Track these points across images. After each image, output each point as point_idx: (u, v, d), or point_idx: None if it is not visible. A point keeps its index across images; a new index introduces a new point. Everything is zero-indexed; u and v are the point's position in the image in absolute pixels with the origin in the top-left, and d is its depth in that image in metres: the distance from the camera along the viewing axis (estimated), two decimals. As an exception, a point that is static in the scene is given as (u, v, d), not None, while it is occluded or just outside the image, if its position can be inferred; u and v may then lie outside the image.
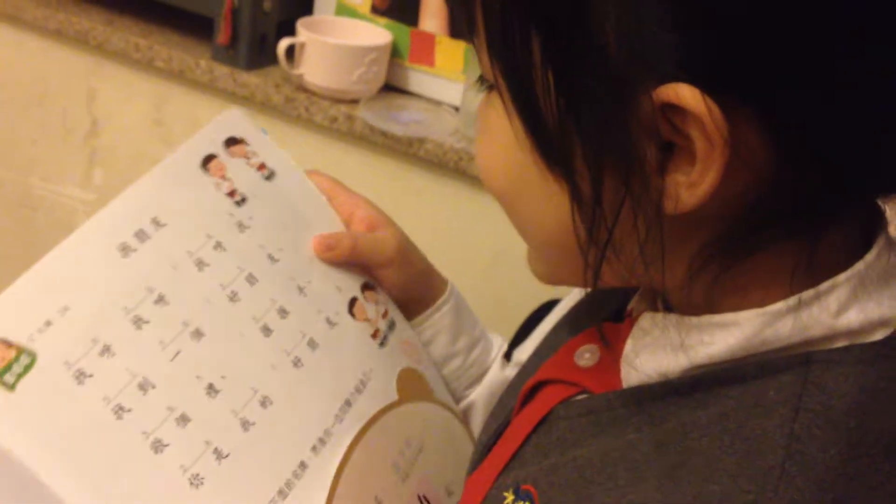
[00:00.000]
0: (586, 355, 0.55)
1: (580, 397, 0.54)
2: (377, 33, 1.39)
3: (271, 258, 0.63)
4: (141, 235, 0.57)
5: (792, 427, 0.41)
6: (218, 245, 0.60)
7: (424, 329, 0.77)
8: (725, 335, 0.45)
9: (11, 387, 0.49)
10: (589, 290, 0.49)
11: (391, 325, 0.70)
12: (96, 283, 0.55)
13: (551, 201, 0.45)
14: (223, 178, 0.64)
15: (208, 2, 1.39)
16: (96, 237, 0.56)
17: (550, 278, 0.54)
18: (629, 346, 0.51)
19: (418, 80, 1.42)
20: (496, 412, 0.66)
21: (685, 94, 0.37)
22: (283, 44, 1.33)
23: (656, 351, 0.48)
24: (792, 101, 0.38)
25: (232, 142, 0.66)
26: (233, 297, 0.59)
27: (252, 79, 1.39)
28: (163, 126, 1.56)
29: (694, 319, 0.46)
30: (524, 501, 0.50)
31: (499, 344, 0.83)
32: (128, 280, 0.56)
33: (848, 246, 0.45)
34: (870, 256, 0.44)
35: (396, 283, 0.74)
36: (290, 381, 0.59)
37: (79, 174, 1.68)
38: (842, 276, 0.43)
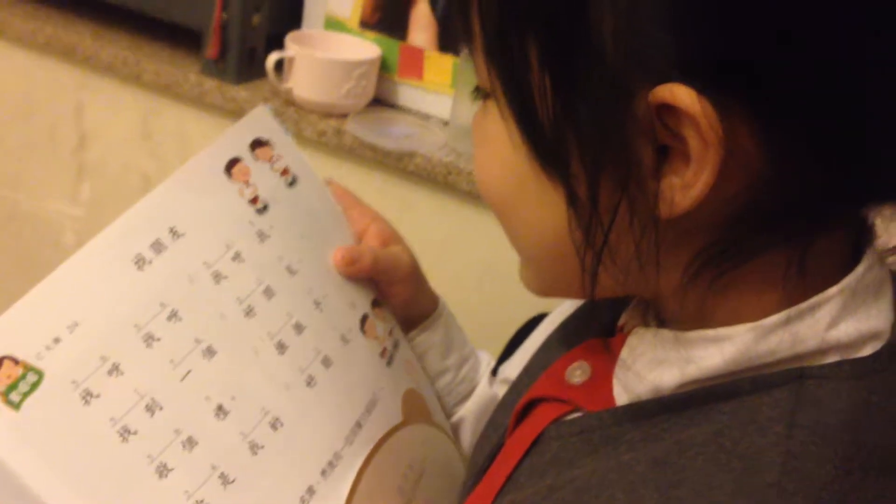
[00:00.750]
0: (577, 372, 0.55)
1: (572, 416, 0.53)
2: (366, 47, 1.39)
3: (290, 270, 0.61)
4: (157, 246, 0.55)
5: (787, 444, 0.41)
6: (237, 256, 0.59)
7: (417, 345, 0.76)
8: (717, 350, 0.44)
9: (17, 406, 0.48)
10: (582, 301, 0.49)
11: (396, 344, 0.69)
12: (108, 298, 0.53)
13: (548, 207, 0.45)
14: (247, 183, 0.62)
15: (197, 15, 1.38)
16: (111, 248, 0.54)
17: (545, 290, 0.54)
18: (621, 362, 0.50)
19: (407, 94, 1.42)
20: (488, 432, 0.65)
21: (680, 94, 0.37)
22: (272, 58, 1.33)
23: (648, 366, 0.48)
24: (786, 102, 0.38)
25: (258, 144, 0.64)
26: (248, 312, 0.58)
27: (241, 92, 1.39)
28: (151, 140, 1.55)
29: (686, 334, 0.46)
30: None
31: (486, 361, 0.83)
32: (141, 294, 0.54)
33: (837, 257, 0.45)
34: (860, 269, 0.44)
35: (406, 298, 0.74)
36: (303, 402, 0.58)
37: (66, 189, 1.68)
38: (833, 290, 0.43)
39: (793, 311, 0.43)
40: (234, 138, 0.64)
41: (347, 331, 0.63)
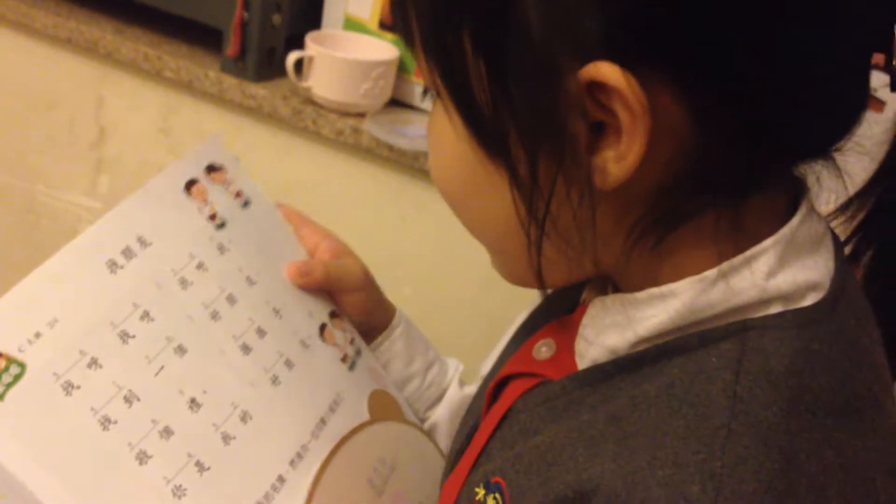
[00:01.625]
0: (543, 349, 0.57)
1: (537, 388, 0.55)
2: (384, 48, 1.40)
3: (249, 280, 0.65)
4: (127, 253, 0.59)
5: (735, 389, 0.42)
6: (200, 265, 0.62)
7: (380, 354, 0.79)
8: (664, 306, 0.46)
9: (0, 396, 0.50)
10: (544, 287, 0.51)
11: (358, 352, 0.73)
12: (84, 298, 0.56)
13: (497, 192, 0.46)
14: (205, 202, 0.66)
15: (218, 14, 1.40)
16: (85, 253, 0.58)
17: (514, 278, 0.55)
18: (581, 329, 0.52)
19: (424, 94, 1.43)
20: (465, 419, 0.68)
21: (605, 71, 0.39)
22: (292, 57, 1.34)
23: (605, 330, 0.50)
24: (701, 68, 0.40)
25: (212, 168, 0.69)
26: (214, 316, 0.61)
27: (260, 90, 1.40)
28: (170, 136, 1.56)
29: (635, 295, 0.48)
30: (495, 493, 0.52)
31: (454, 365, 0.85)
32: (115, 295, 0.57)
33: (773, 214, 0.47)
34: (794, 221, 0.46)
35: (363, 308, 0.77)
36: (269, 398, 0.60)
37: (85, 182, 1.69)
38: (768, 241, 0.45)
39: (731, 262, 0.45)
40: (189, 162, 0.68)
41: (307, 337, 0.67)
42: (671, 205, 0.44)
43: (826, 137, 0.45)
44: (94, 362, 0.54)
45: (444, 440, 0.81)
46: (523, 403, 0.55)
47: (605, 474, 0.43)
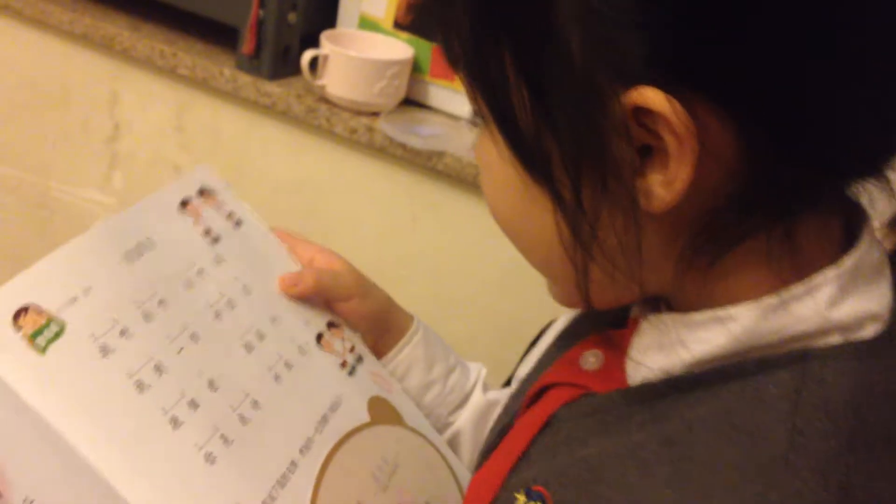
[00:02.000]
0: (591, 359, 0.56)
1: (583, 399, 0.55)
2: (399, 48, 1.40)
3: (246, 289, 0.68)
4: (140, 248, 0.62)
5: (793, 420, 0.42)
6: (200, 271, 0.66)
7: (399, 362, 0.79)
8: (724, 330, 0.46)
9: (42, 349, 0.52)
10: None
11: (359, 359, 0.74)
12: (110, 276, 0.59)
13: (542, 216, 0.46)
14: (199, 219, 0.70)
15: (234, 12, 1.40)
16: (103, 240, 0.61)
17: (564, 300, 0.55)
18: (633, 346, 0.52)
19: (438, 94, 1.43)
20: (500, 418, 0.68)
21: (650, 96, 0.39)
22: (307, 55, 1.34)
23: (659, 350, 0.50)
24: (749, 92, 0.39)
25: (203, 192, 0.73)
26: (217, 316, 0.64)
27: (274, 88, 1.41)
28: (184, 133, 1.57)
29: (692, 316, 0.47)
30: (536, 502, 0.51)
31: (477, 370, 0.85)
32: (135, 280, 0.60)
33: (829, 236, 0.46)
34: (858, 252, 0.46)
35: (363, 313, 0.77)
36: (273, 393, 0.62)
37: (98, 178, 1.70)
38: (831, 272, 0.45)
39: (792, 290, 0.44)
40: (181, 185, 0.72)
41: (304, 343, 0.69)
42: (721, 227, 0.44)
43: (877, 155, 0.45)
44: (125, 331, 0.56)
45: (469, 446, 0.81)
46: (568, 412, 0.54)
47: (660, 500, 0.43)
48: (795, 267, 0.45)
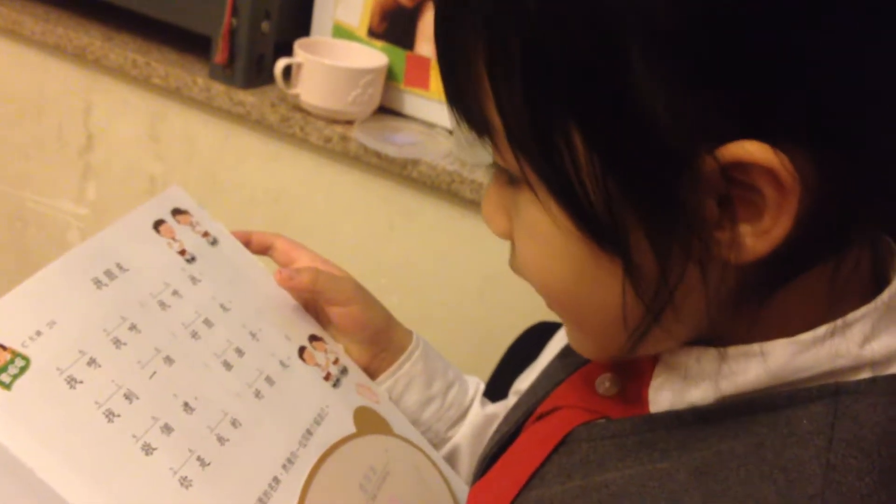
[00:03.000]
0: (606, 384, 0.56)
1: (601, 421, 0.54)
2: (373, 56, 1.40)
3: (223, 307, 0.68)
4: (109, 274, 0.62)
5: (828, 457, 0.42)
6: (175, 292, 0.65)
7: (398, 378, 0.78)
8: (755, 365, 0.45)
9: (8, 386, 0.51)
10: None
11: (343, 371, 0.74)
12: (77, 306, 0.58)
13: (607, 283, 0.45)
14: (173, 238, 0.70)
15: (207, 21, 1.40)
16: (72, 268, 0.61)
17: (597, 353, 0.54)
18: (658, 377, 0.51)
19: (413, 102, 1.43)
20: (500, 427, 0.67)
21: (752, 150, 0.37)
22: (281, 63, 1.34)
23: (685, 381, 0.49)
24: (840, 135, 0.38)
25: (177, 212, 0.72)
26: (194, 335, 0.63)
27: (248, 97, 1.40)
28: (158, 142, 1.56)
29: (726, 350, 0.47)
30: None
31: (475, 384, 0.84)
32: (103, 307, 0.60)
33: (862, 274, 0.46)
34: (892, 288, 0.45)
35: (363, 322, 0.77)
36: (254, 409, 0.62)
37: (73, 188, 1.69)
38: (864, 309, 0.44)
39: (828, 327, 0.44)
40: (154, 206, 0.71)
41: (286, 357, 0.69)
42: (780, 266, 0.43)
43: None
44: (93, 361, 0.55)
45: (467, 461, 0.81)
46: (585, 433, 0.54)
47: None
48: (831, 301, 0.44)
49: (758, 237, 0.40)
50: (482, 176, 1.31)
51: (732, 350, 0.46)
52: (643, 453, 0.49)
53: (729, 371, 0.46)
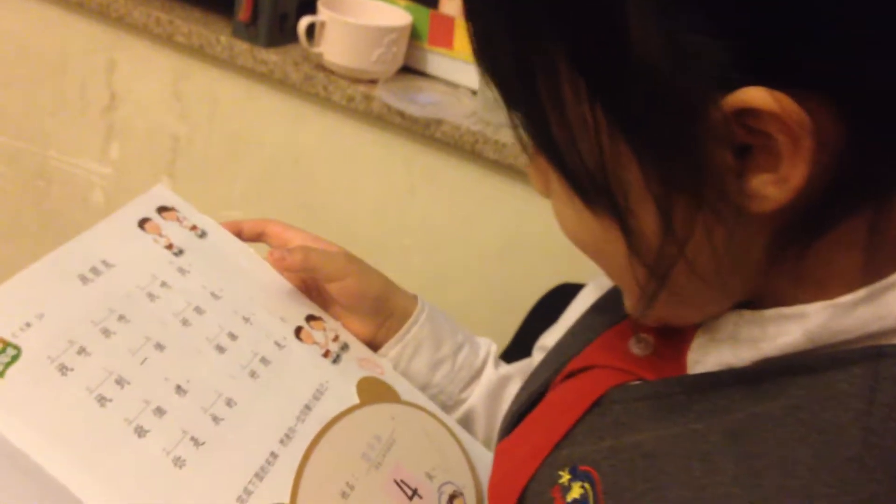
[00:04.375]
0: (641, 344, 0.55)
1: (636, 383, 0.54)
2: (397, 14, 1.39)
3: (214, 295, 0.68)
4: (95, 271, 0.63)
5: (867, 421, 0.41)
6: (164, 284, 0.66)
7: (407, 343, 0.78)
8: (794, 327, 0.45)
9: (0, 374, 0.52)
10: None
11: (344, 346, 0.74)
12: (65, 299, 0.60)
13: (615, 244, 0.45)
14: (160, 234, 0.70)
15: (230, -22, 1.39)
16: (58, 265, 0.62)
17: (636, 311, 0.53)
18: (698, 338, 0.51)
19: (437, 62, 1.42)
20: (527, 385, 0.66)
21: (756, 97, 0.37)
22: (304, 22, 1.33)
23: (724, 343, 0.48)
24: (860, 81, 0.37)
25: (163, 209, 0.73)
26: (185, 323, 0.64)
27: (271, 56, 1.40)
28: (181, 101, 1.56)
29: (764, 313, 0.46)
30: (583, 482, 0.51)
31: (486, 345, 0.84)
32: (91, 301, 0.61)
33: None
34: None
35: (361, 293, 0.76)
36: (249, 389, 0.63)
37: (96, 147, 1.69)
38: None
39: (869, 289, 0.43)
40: (138, 205, 0.72)
41: (282, 338, 0.69)
42: (812, 216, 0.42)
43: None
44: (83, 350, 0.57)
45: (483, 423, 0.81)
46: (619, 395, 0.53)
47: (728, 498, 0.43)
48: (872, 259, 0.43)
49: (778, 185, 0.39)
50: (506, 136, 1.30)
51: (770, 312, 0.46)
52: (677, 414, 0.48)
53: (767, 334, 0.46)
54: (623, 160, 0.41)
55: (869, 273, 0.43)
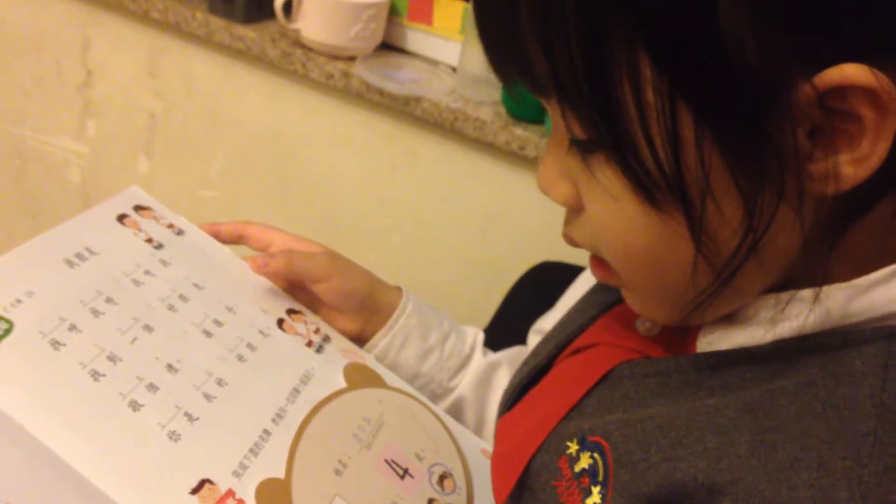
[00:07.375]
0: (647, 324, 0.56)
1: (644, 360, 0.54)
2: (375, -10, 1.38)
3: (197, 286, 0.69)
4: (80, 256, 0.64)
5: (882, 397, 0.42)
6: (147, 272, 0.67)
7: (395, 334, 0.79)
8: (809, 309, 0.45)
9: None
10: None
11: (326, 338, 0.74)
12: (52, 280, 0.60)
13: (683, 245, 0.44)
14: (139, 229, 0.71)
15: (205, -47, 1.37)
16: (41, 251, 0.62)
17: (665, 316, 0.52)
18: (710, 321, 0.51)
19: (416, 38, 1.42)
20: (528, 360, 0.67)
21: (851, 73, 0.36)
22: (281, -2, 1.32)
23: (738, 324, 0.49)
24: None
25: (140, 208, 0.73)
26: (171, 308, 0.65)
27: (248, 32, 1.38)
28: (157, 79, 1.55)
29: (780, 295, 0.46)
30: (593, 452, 0.51)
31: (473, 333, 0.84)
32: (79, 283, 0.61)
33: None
34: None
35: (346, 291, 0.76)
36: (238, 371, 0.63)
37: (72, 126, 1.68)
38: None
39: (884, 272, 0.44)
40: (115, 203, 0.72)
41: (265, 328, 0.70)
42: (862, 200, 0.41)
43: None
44: (73, 327, 0.57)
45: (472, 409, 0.81)
46: (629, 371, 0.53)
47: (745, 469, 0.43)
48: (888, 247, 0.44)
49: (857, 164, 0.39)
50: (486, 114, 1.29)
51: (786, 295, 0.46)
52: (688, 391, 0.49)
53: (783, 315, 0.46)
54: (704, 154, 0.40)
55: (885, 256, 0.44)
